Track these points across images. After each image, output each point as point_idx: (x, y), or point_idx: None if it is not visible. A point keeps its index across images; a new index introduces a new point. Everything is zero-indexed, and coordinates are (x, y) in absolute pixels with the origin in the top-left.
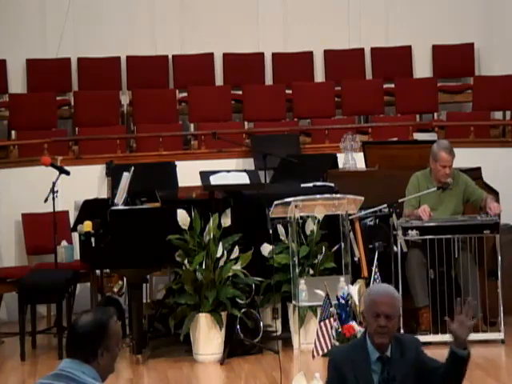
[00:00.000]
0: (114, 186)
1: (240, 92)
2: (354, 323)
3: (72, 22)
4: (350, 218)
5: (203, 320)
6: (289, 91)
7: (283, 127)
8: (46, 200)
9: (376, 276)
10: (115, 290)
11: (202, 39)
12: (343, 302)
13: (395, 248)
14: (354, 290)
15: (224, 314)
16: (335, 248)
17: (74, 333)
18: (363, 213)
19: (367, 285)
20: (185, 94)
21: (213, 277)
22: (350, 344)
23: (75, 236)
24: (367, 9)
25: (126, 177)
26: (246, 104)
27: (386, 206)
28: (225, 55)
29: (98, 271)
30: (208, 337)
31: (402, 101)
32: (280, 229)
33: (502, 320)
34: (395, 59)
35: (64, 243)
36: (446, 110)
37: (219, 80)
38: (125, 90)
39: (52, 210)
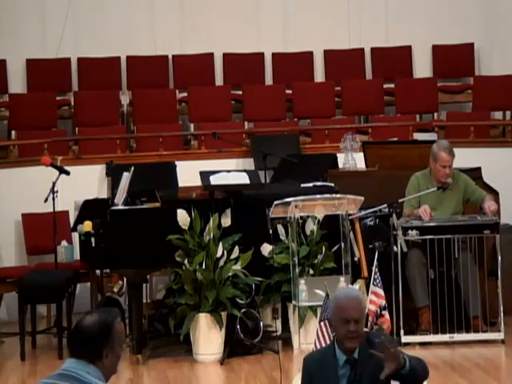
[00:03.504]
0: (114, 186)
1: (240, 92)
2: None
3: (72, 22)
4: (350, 217)
5: (203, 320)
6: (289, 91)
7: (283, 127)
8: (46, 200)
9: (376, 276)
10: (115, 290)
11: (201, 39)
12: None
13: (395, 248)
14: None
15: (224, 314)
16: (335, 248)
17: (79, 333)
18: (363, 213)
19: (367, 285)
20: (185, 94)
21: (213, 277)
22: (321, 349)
23: (75, 236)
24: (367, 9)
25: (126, 177)
26: (246, 104)
27: (386, 206)
28: (225, 55)
29: (98, 271)
30: (208, 337)
31: (402, 101)
32: (280, 229)
33: (502, 320)
34: (395, 59)
35: (64, 243)
36: (445, 110)
37: (219, 80)
38: (125, 90)
39: (52, 210)
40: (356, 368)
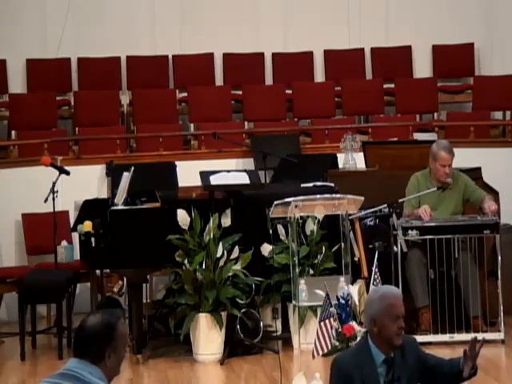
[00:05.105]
0: (113, 186)
1: (240, 92)
2: (353, 323)
3: (72, 22)
4: (350, 217)
5: (203, 320)
6: (289, 91)
7: (283, 127)
8: (46, 200)
9: (376, 276)
10: (115, 290)
11: (201, 39)
12: (343, 301)
13: (395, 248)
14: (354, 289)
15: (224, 314)
16: (335, 248)
17: (82, 333)
18: (363, 213)
19: (367, 285)
20: (185, 94)
21: (213, 277)
22: (353, 349)
23: (75, 236)
24: (367, 9)
25: (126, 177)
26: (245, 104)
27: (386, 205)
28: (225, 55)
29: (98, 271)
30: (208, 337)
31: (402, 101)
32: (280, 229)
33: (502, 320)
34: (395, 59)
35: (64, 243)
36: (446, 110)
37: (219, 80)
38: (125, 90)
39: (52, 210)
40: (394, 367)
